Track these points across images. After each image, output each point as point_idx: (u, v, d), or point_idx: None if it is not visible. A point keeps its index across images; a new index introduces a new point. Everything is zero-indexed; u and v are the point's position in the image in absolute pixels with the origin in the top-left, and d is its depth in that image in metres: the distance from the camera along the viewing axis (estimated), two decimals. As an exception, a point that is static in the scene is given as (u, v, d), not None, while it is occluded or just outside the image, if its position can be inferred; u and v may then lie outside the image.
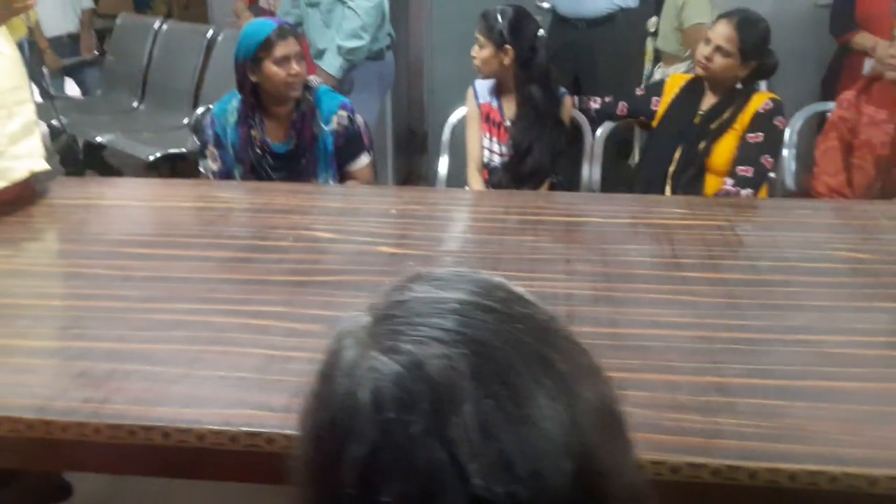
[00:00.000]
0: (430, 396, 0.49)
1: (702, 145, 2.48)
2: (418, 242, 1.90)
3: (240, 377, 1.31)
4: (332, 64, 3.12)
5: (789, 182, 2.70)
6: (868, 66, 3.35)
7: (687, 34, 3.26)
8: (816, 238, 1.96)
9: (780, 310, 1.58)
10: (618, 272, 1.74)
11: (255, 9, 4.16)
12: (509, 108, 2.64)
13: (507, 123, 2.64)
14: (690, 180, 2.48)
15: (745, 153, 2.42)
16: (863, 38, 3.40)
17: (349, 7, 3.10)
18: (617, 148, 3.29)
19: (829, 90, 3.53)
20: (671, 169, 2.51)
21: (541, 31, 2.60)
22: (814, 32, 3.66)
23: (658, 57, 3.49)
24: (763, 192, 2.49)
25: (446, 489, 0.47)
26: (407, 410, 0.49)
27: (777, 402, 1.27)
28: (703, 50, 2.48)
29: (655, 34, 3.45)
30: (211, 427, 1.19)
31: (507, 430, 0.48)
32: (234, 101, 2.43)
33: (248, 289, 1.61)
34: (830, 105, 2.83)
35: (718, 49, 2.44)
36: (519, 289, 0.59)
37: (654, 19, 3.49)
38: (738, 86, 2.50)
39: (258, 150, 2.40)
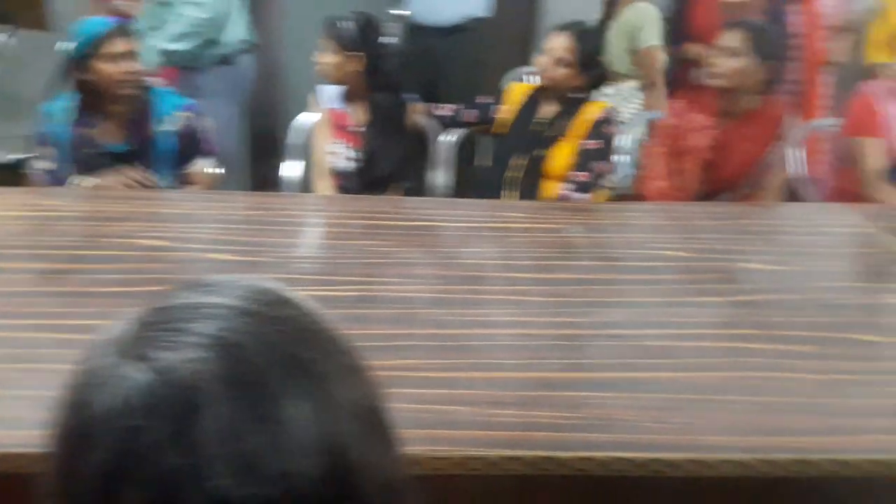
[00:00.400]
0: (177, 401, 0.49)
1: (541, 151, 2.57)
2: (256, 249, 1.88)
3: (53, 396, 1.26)
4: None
5: (625, 187, 2.84)
6: (700, 75, 3.56)
7: (642, 55, 3.34)
8: (641, 238, 2.08)
9: (601, 306, 1.66)
10: (455, 274, 1.79)
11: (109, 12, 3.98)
12: (359, 113, 2.65)
13: (358, 129, 2.65)
14: (530, 185, 2.56)
15: (582, 159, 2.53)
16: (694, 48, 3.61)
17: (179, 12, 3.05)
18: (470, 154, 3.36)
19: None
20: (513, 174, 2.60)
21: (391, 38, 2.63)
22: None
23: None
24: (600, 197, 2.62)
25: (186, 492, 0.47)
26: (153, 417, 0.49)
27: (591, 393, 1.34)
28: (543, 60, 2.58)
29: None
30: (21, 450, 1.14)
31: (254, 431, 0.49)
32: (67, 100, 2.33)
33: (67, 302, 1.55)
34: (660, 113, 2.99)
35: (559, 60, 2.55)
36: (290, 293, 0.60)
37: None
38: (576, 94, 2.62)
39: (92, 150, 2.31)
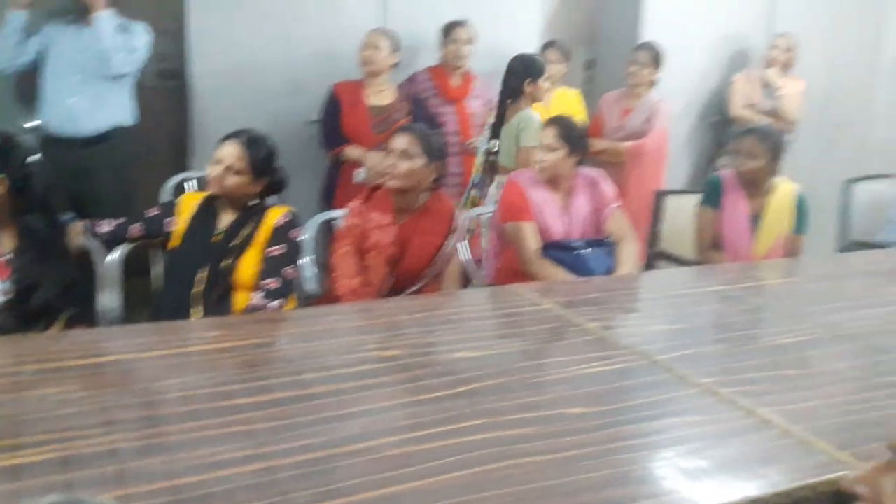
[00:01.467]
0: None
1: (226, 263, 2.46)
2: None
3: None
4: None
5: (313, 289, 2.82)
6: (360, 175, 3.72)
7: (521, 153, 3.59)
8: (350, 342, 2.06)
9: (334, 421, 1.60)
10: (164, 413, 1.60)
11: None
12: (7, 241, 2.31)
13: (6, 258, 2.30)
14: (219, 299, 2.43)
15: (269, 266, 2.47)
16: (352, 150, 3.77)
17: None
18: (143, 271, 3.12)
19: (328, 199, 3.83)
20: (198, 289, 2.44)
21: (33, 156, 2.35)
22: (307, 146, 3.95)
23: (495, 169, 3.74)
24: (292, 302, 2.56)
25: None
26: None
27: (354, 521, 1.26)
28: (214, 169, 2.49)
29: (497, 153, 3.73)
30: None
31: None
32: None
33: None
34: (336, 213, 3.05)
35: (229, 168, 2.48)
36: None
37: (494, 141, 3.74)
38: (255, 201, 2.56)
39: None
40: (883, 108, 5.45)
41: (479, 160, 3.84)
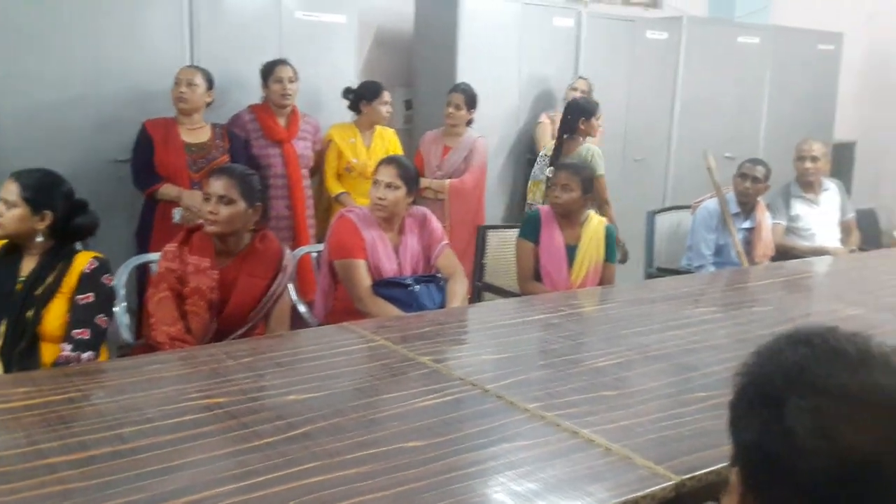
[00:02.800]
0: None
1: (30, 313, 2.28)
2: None
3: None
4: None
5: (127, 337, 2.66)
6: (177, 215, 3.57)
7: (598, 181, 4.03)
8: (172, 391, 1.96)
9: (157, 476, 1.50)
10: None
11: None
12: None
13: None
14: (24, 352, 2.24)
15: (78, 315, 2.31)
16: (168, 189, 3.61)
17: None
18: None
19: (144, 241, 3.64)
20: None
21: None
22: (118, 186, 3.75)
23: None
24: (104, 353, 2.41)
25: None
26: None
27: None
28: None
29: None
30: None
31: None
32: None
33: None
34: (152, 256, 2.91)
35: (6, 204, 2.31)
36: None
37: (551, 169, 4.03)
38: (60, 247, 2.39)
39: None
40: (675, 146, 5.93)
41: (540, 188, 4.34)
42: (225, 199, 2.58)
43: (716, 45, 5.98)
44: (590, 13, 5.52)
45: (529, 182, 4.63)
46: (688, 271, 4.08)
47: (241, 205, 2.59)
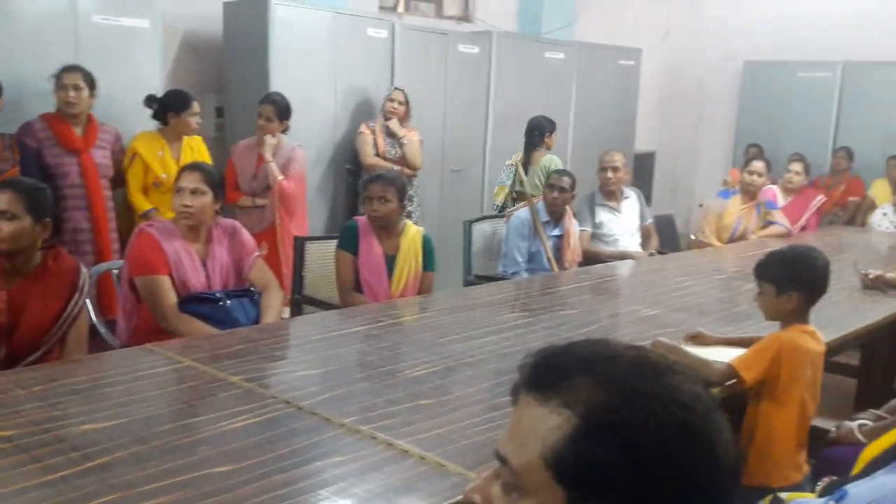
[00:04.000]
0: None
1: None
2: None
3: None
4: None
5: None
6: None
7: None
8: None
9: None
10: None
11: None
12: None
13: None
14: None
15: None
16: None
17: None
18: None
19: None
20: None
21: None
22: None
23: (523, 198, 4.77)
24: None
25: None
26: None
27: None
28: None
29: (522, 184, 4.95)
30: None
31: None
32: None
33: None
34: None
35: None
36: None
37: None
38: None
39: None
40: (490, 156, 6.13)
41: (504, 191, 5.19)
42: (8, 215, 2.37)
43: (524, 59, 6.24)
44: (403, 25, 5.59)
45: (496, 187, 5.32)
46: (503, 278, 4.21)
47: (27, 220, 2.39)
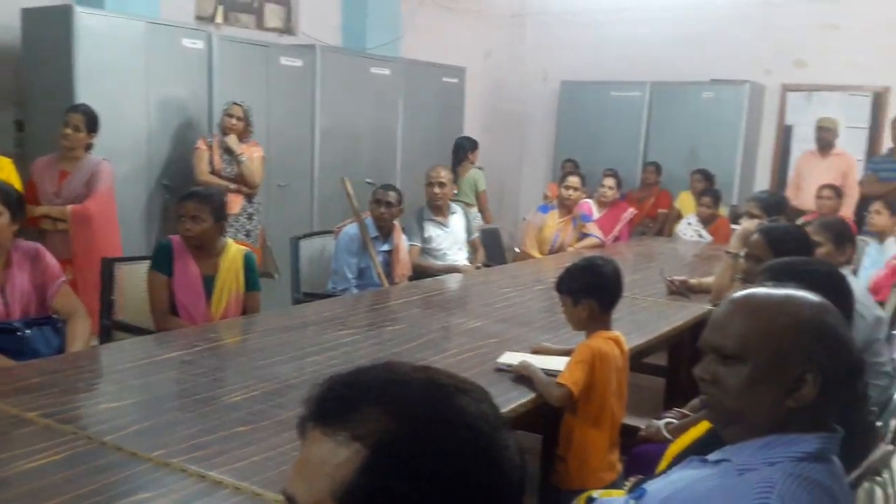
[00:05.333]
0: None
1: None
2: None
3: None
4: None
5: None
6: None
7: (482, 195, 6.78)
8: None
9: None
10: None
11: None
12: None
13: None
14: None
15: None
16: None
17: None
18: None
19: None
20: None
21: None
22: None
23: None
24: None
25: None
26: None
27: None
28: None
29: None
30: None
31: None
32: None
33: None
34: None
35: None
36: None
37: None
38: None
39: None
40: (318, 171, 6.05)
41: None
42: None
43: (350, 74, 6.22)
44: (221, 36, 5.43)
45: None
46: (333, 295, 4.15)
47: None
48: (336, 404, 0.76)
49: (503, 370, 2.58)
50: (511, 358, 2.63)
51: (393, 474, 0.70)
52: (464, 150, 6.80)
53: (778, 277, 1.82)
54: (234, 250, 3.36)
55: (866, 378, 2.66)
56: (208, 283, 3.25)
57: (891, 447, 2.80)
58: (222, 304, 3.27)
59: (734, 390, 1.24)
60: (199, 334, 2.94)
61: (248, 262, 3.37)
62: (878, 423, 2.41)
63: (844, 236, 3.29)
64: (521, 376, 2.49)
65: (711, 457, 1.28)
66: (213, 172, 4.90)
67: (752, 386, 1.22)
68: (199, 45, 5.17)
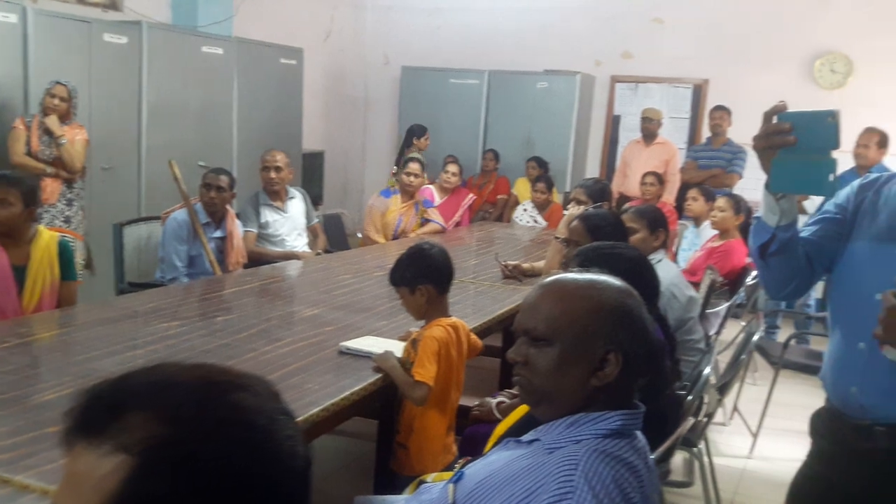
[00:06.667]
0: None
1: None
2: None
3: None
4: None
5: None
6: None
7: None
8: None
9: None
10: None
11: None
12: None
13: None
14: None
15: None
16: None
17: None
18: None
19: None
20: None
21: None
22: None
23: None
24: None
25: None
26: None
27: None
28: None
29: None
30: None
31: None
32: None
33: None
34: None
35: None
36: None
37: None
38: None
39: None
40: (146, 154, 5.75)
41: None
42: None
43: (179, 52, 5.93)
44: (37, 10, 5.03)
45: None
46: (161, 284, 3.97)
47: None
48: (98, 414, 0.72)
49: (347, 353, 2.59)
50: (359, 343, 2.64)
51: (162, 479, 0.67)
52: (410, 135, 7.25)
53: (587, 262, 1.92)
54: (46, 237, 3.13)
55: (678, 355, 2.85)
56: (19, 273, 3.01)
57: (704, 419, 3.02)
58: (35, 296, 3.04)
59: (543, 371, 1.28)
60: (10, 329, 2.72)
61: (62, 250, 3.16)
62: (689, 398, 2.58)
63: (658, 223, 3.51)
64: (370, 363, 2.49)
65: (525, 437, 1.32)
66: (30, 154, 4.57)
67: (560, 367, 1.27)
68: (12, 18, 4.77)
